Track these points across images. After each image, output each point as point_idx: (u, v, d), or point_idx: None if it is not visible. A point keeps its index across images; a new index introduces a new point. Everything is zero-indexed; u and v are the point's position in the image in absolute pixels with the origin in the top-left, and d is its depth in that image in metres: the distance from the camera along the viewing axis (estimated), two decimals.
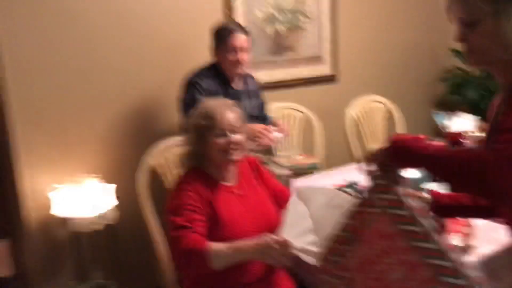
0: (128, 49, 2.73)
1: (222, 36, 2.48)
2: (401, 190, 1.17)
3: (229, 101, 1.84)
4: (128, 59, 2.74)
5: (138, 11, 2.74)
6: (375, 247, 1.21)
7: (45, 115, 2.50)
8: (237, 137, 1.76)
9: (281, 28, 3.35)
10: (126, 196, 2.60)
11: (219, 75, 2.53)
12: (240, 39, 2.49)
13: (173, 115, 2.84)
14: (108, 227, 2.47)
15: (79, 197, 2.33)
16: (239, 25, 2.55)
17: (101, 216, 2.37)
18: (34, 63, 2.44)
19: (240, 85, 2.62)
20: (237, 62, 2.49)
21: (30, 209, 2.49)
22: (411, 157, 1.13)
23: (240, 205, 1.76)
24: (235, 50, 2.47)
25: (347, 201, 1.49)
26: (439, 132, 2.72)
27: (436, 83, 4.25)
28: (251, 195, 1.82)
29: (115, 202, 2.47)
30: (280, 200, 1.90)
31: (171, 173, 2.21)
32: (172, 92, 2.81)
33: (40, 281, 2.57)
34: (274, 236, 1.50)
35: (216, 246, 1.53)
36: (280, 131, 2.56)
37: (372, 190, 1.21)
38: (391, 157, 1.16)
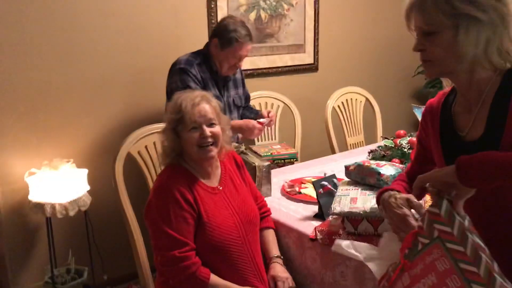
0: (108, 34, 2.66)
1: (231, 40, 2.40)
2: (458, 221, 1.03)
3: (204, 92, 1.74)
4: (108, 44, 2.66)
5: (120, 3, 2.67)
6: (421, 281, 1.05)
7: (20, 99, 2.41)
8: (212, 129, 1.66)
9: (264, 15, 3.31)
10: (102, 183, 2.57)
11: (206, 63, 2.49)
12: (247, 49, 2.46)
13: (155, 102, 2.82)
14: (82, 212, 2.44)
15: (54, 182, 2.28)
16: (248, 31, 2.45)
17: (74, 202, 2.33)
18: (8, 44, 2.35)
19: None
20: (236, 67, 2.51)
21: (6, 192, 2.42)
22: (489, 171, 1.03)
23: (223, 206, 1.70)
24: (240, 58, 2.46)
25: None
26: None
27: (415, 77, 4.29)
28: (235, 194, 1.76)
29: (87, 187, 2.43)
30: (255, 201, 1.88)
31: (151, 162, 2.17)
32: (155, 78, 2.79)
33: (15, 264, 2.52)
34: None
35: (216, 281, 1.57)
36: (268, 122, 2.56)
37: (425, 217, 1.08)
38: (462, 178, 1.04)
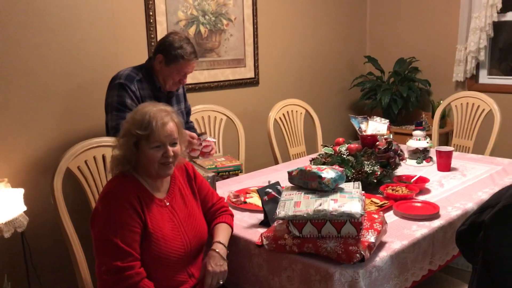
0: (45, 49, 2.59)
1: (176, 57, 2.37)
2: None
3: (170, 108, 1.70)
4: (45, 58, 2.59)
5: (62, 16, 2.62)
6: None
7: None
8: (174, 149, 1.66)
9: (203, 29, 3.34)
10: (39, 203, 2.47)
11: (149, 78, 2.46)
12: (192, 66, 2.45)
13: (94, 117, 2.75)
14: (18, 234, 2.32)
15: None
16: (193, 48, 2.43)
17: (10, 223, 2.21)
18: None
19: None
20: (180, 83, 2.49)
21: None
22: None
23: (170, 220, 1.69)
24: (184, 75, 2.45)
25: None
26: (356, 135, 2.85)
27: (351, 90, 4.46)
28: (182, 207, 1.75)
29: (24, 208, 2.32)
30: (211, 206, 1.87)
31: (92, 177, 2.11)
32: (93, 93, 2.73)
33: None
34: None
35: None
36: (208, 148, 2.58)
37: None
38: None
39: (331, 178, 1.65)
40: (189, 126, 2.75)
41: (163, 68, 2.42)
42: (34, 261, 2.48)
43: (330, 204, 1.56)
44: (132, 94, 2.36)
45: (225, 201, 2.06)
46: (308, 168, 1.71)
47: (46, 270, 2.61)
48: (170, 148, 1.64)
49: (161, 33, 3.06)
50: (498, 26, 3.94)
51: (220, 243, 1.74)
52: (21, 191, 2.33)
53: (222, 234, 1.78)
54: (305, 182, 1.71)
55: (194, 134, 2.49)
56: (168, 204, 1.71)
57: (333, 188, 1.67)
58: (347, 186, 1.72)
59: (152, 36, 3.04)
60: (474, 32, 3.88)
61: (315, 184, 1.67)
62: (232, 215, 1.91)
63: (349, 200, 1.58)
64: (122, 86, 2.36)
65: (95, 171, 2.12)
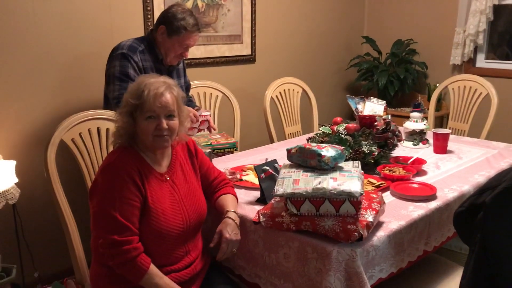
0: (39, 17, 2.51)
1: (179, 28, 2.33)
2: None
3: (170, 81, 1.65)
4: (39, 28, 2.52)
5: None
6: None
7: None
8: (169, 122, 1.60)
9: (200, 3, 3.27)
10: (32, 175, 2.44)
11: (151, 50, 2.41)
12: (195, 39, 2.40)
13: (89, 89, 2.71)
14: (10, 206, 2.29)
15: None
16: (196, 21, 2.38)
17: (1, 194, 2.18)
18: None
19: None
20: (182, 57, 2.45)
21: None
22: None
23: (171, 195, 1.66)
24: (186, 48, 2.40)
25: None
26: (353, 115, 2.83)
27: (348, 70, 4.43)
28: (183, 183, 1.72)
29: (15, 180, 2.28)
30: (213, 180, 1.86)
31: (86, 150, 2.07)
32: (89, 65, 2.68)
33: None
34: None
35: (155, 272, 1.53)
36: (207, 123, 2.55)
37: None
38: None
39: (331, 156, 1.63)
40: (188, 100, 2.72)
41: (165, 39, 2.38)
42: (26, 233, 2.45)
43: (330, 182, 1.54)
44: (135, 64, 2.33)
45: None
46: (307, 146, 1.69)
47: (38, 243, 2.58)
48: (164, 121, 1.59)
49: (157, 5, 2.99)
50: (498, 10, 3.90)
51: (234, 212, 1.74)
52: (13, 163, 2.29)
53: (232, 203, 1.79)
54: (304, 160, 1.69)
55: (196, 113, 2.46)
56: (168, 178, 1.68)
57: (333, 166, 1.65)
58: (347, 165, 1.71)
59: (149, 8, 2.97)
60: (474, 15, 3.85)
61: (314, 162, 1.65)
62: (233, 187, 1.90)
63: (349, 179, 1.57)
64: (125, 56, 2.31)
65: (90, 144, 2.08)
